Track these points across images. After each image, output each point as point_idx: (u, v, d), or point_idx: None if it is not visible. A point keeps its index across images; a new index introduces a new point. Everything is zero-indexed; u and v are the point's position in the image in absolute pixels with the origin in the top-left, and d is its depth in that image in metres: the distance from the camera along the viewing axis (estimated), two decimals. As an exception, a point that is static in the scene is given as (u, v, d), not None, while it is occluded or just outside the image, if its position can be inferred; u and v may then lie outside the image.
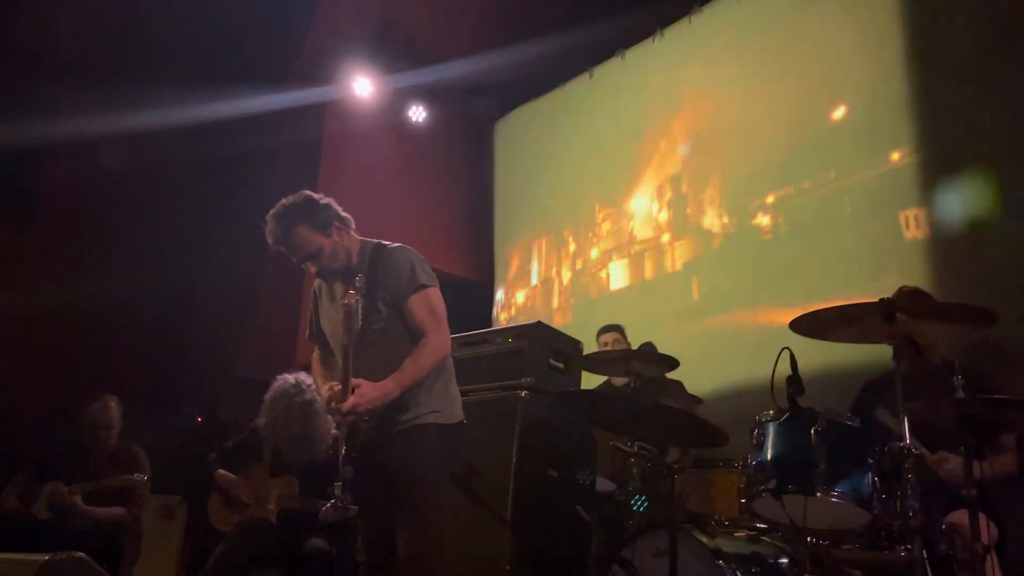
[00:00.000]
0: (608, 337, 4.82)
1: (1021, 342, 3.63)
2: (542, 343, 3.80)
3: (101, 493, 4.32)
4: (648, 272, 5.62)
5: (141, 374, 6.39)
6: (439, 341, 2.80)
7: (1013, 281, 3.91)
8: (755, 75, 5.34)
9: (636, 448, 3.17)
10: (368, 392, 2.63)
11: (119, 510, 4.37)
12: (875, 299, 2.62)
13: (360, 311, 2.69)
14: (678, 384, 4.58)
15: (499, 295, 7.05)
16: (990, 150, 4.12)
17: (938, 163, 4.30)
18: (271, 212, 2.88)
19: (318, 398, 3.53)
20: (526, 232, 6.94)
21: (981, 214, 4.12)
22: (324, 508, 2.56)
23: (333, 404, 2.66)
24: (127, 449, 4.57)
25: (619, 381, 4.50)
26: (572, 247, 6.39)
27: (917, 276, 4.12)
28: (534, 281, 6.68)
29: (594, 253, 6.15)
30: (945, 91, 4.34)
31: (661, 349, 5.00)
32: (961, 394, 2.65)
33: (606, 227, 6.12)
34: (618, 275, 5.85)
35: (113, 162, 6.79)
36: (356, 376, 2.64)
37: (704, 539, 2.83)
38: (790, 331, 2.72)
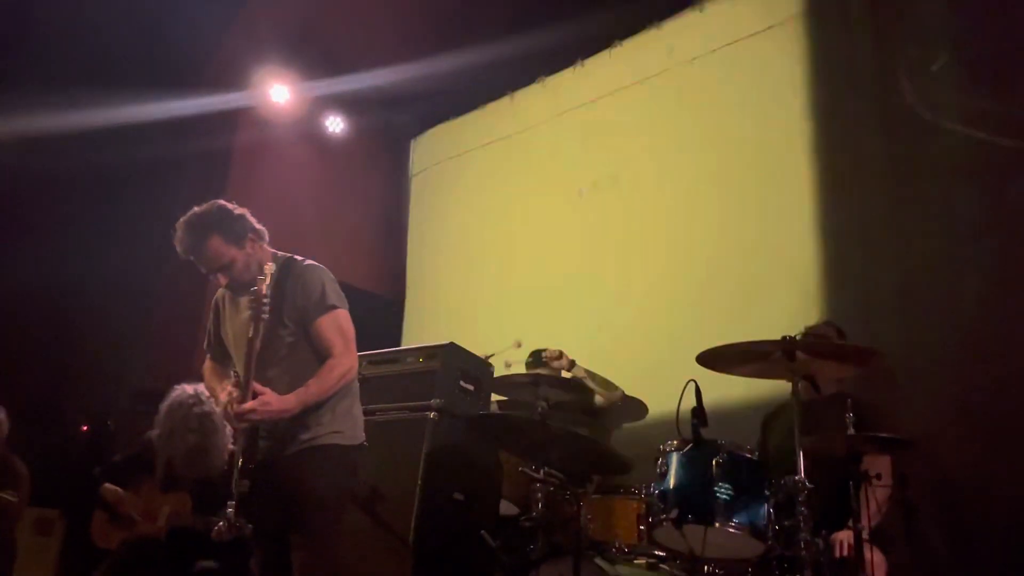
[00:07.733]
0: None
1: (906, 370, 3.84)
2: (453, 364, 3.79)
3: (-29, 508, 4.05)
4: (561, 298, 5.67)
5: (23, 378, 6.03)
6: (347, 363, 2.77)
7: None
8: (672, 111, 5.48)
9: (542, 473, 3.18)
10: (270, 402, 2.58)
11: (-12, 527, 4.10)
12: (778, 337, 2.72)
13: (269, 308, 2.62)
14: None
15: (410, 313, 6.98)
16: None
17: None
18: (182, 220, 2.78)
19: (217, 411, 3.41)
20: (440, 251, 6.91)
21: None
22: (217, 527, 2.47)
23: (229, 407, 2.58)
24: (5, 462, 4.30)
25: None
26: (486, 269, 6.39)
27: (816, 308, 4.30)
28: (446, 300, 6.64)
29: (508, 276, 6.16)
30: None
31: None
32: (852, 430, 2.79)
33: (520, 251, 6.15)
34: (530, 300, 5.87)
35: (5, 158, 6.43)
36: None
37: (605, 566, 2.86)
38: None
